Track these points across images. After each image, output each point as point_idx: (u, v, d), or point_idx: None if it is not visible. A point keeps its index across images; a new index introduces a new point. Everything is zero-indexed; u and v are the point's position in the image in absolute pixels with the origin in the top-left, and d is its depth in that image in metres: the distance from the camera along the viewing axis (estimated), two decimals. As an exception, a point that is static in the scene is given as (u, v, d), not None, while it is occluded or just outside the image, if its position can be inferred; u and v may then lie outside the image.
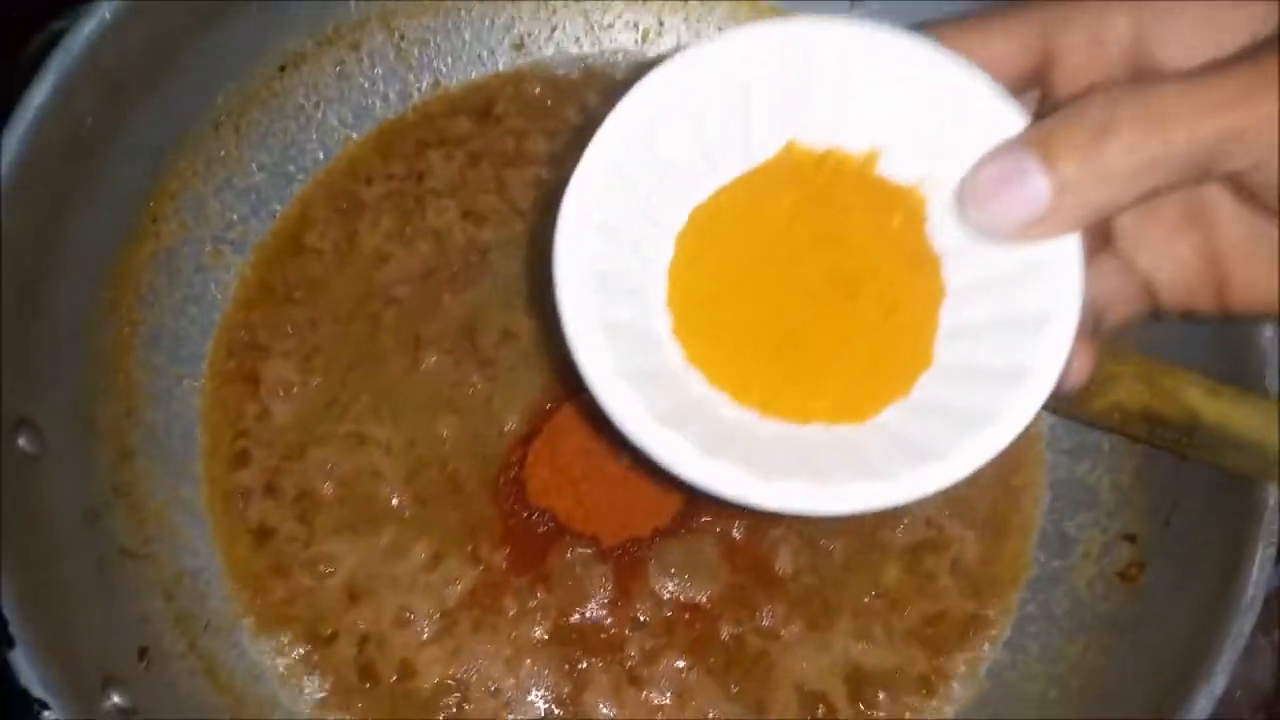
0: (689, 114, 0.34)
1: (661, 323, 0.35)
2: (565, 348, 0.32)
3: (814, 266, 0.34)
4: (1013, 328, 0.33)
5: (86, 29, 0.48)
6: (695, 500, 0.54)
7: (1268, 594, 0.60)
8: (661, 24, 0.64)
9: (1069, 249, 0.32)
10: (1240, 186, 0.33)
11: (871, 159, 0.35)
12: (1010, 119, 0.32)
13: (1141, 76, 0.33)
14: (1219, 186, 0.35)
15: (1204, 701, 0.43)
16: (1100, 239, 0.37)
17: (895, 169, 0.34)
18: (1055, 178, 0.30)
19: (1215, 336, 0.49)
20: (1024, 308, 0.32)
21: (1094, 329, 0.36)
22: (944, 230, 0.34)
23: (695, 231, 0.35)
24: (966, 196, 0.32)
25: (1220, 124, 0.29)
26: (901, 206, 0.34)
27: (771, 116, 0.34)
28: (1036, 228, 0.31)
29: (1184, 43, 0.33)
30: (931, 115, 0.33)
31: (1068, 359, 0.32)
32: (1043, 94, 0.36)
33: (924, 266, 0.34)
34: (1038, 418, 0.56)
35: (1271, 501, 0.46)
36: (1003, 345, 0.33)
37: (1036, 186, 0.30)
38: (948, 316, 0.34)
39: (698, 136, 0.34)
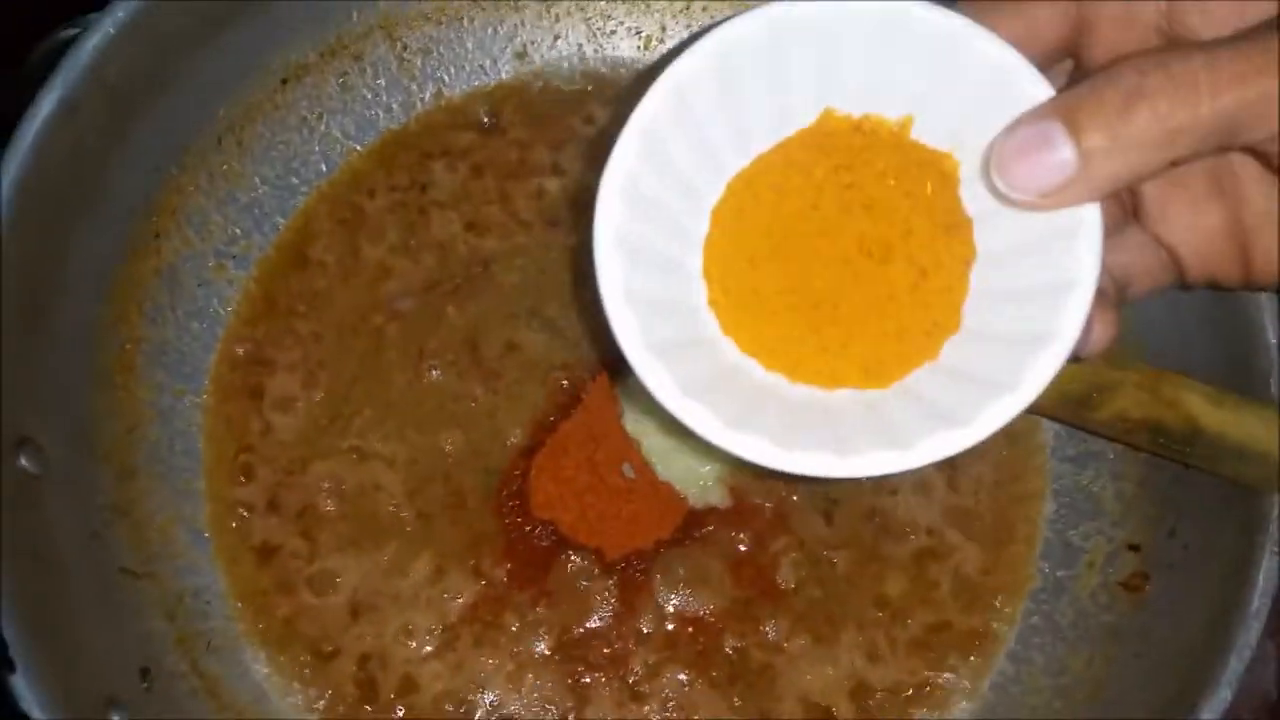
0: (724, 88, 0.34)
1: (699, 294, 0.36)
2: (603, 321, 0.34)
3: (846, 234, 0.35)
4: (1036, 294, 0.33)
5: (90, 42, 0.48)
6: (698, 513, 0.54)
7: (1274, 599, 0.61)
8: (664, 30, 0.64)
9: (1090, 217, 0.32)
10: (1264, 157, 0.33)
11: (906, 125, 0.35)
12: (1037, 88, 0.33)
13: (1171, 47, 0.33)
14: (1245, 157, 0.35)
15: (1209, 715, 0.43)
16: (1127, 211, 0.38)
17: (930, 136, 0.35)
18: (1080, 146, 0.30)
19: (1219, 344, 0.49)
20: (1047, 275, 0.33)
21: (1118, 299, 0.37)
22: (974, 196, 0.34)
23: (730, 203, 0.36)
24: (993, 163, 0.32)
25: (1243, 94, 0.29)
26: (935, 171, 0.35)
27: (807, 87, 0.35)
28: (1060, 195, 0.31)
29: (1213, 15, 0.33)
30: (963, 85, 0.33)
31: (1088, 325, 0.33)
32: (1075, 64, 0.37)
33: (956, 231, 0.35)
34: (1042, 426, 0.57)
35: (1276, 510, 0.46)
36: (1026, 311, 0.33)
37: (1062, 154, 0.31)
38: (976, 281, 0.35)
39: (733, 109, 0.35)
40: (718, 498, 0.54)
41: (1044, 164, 0.31)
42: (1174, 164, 0.31)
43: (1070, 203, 0.32)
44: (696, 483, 0.54)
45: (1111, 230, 0.33)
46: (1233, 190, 0.36)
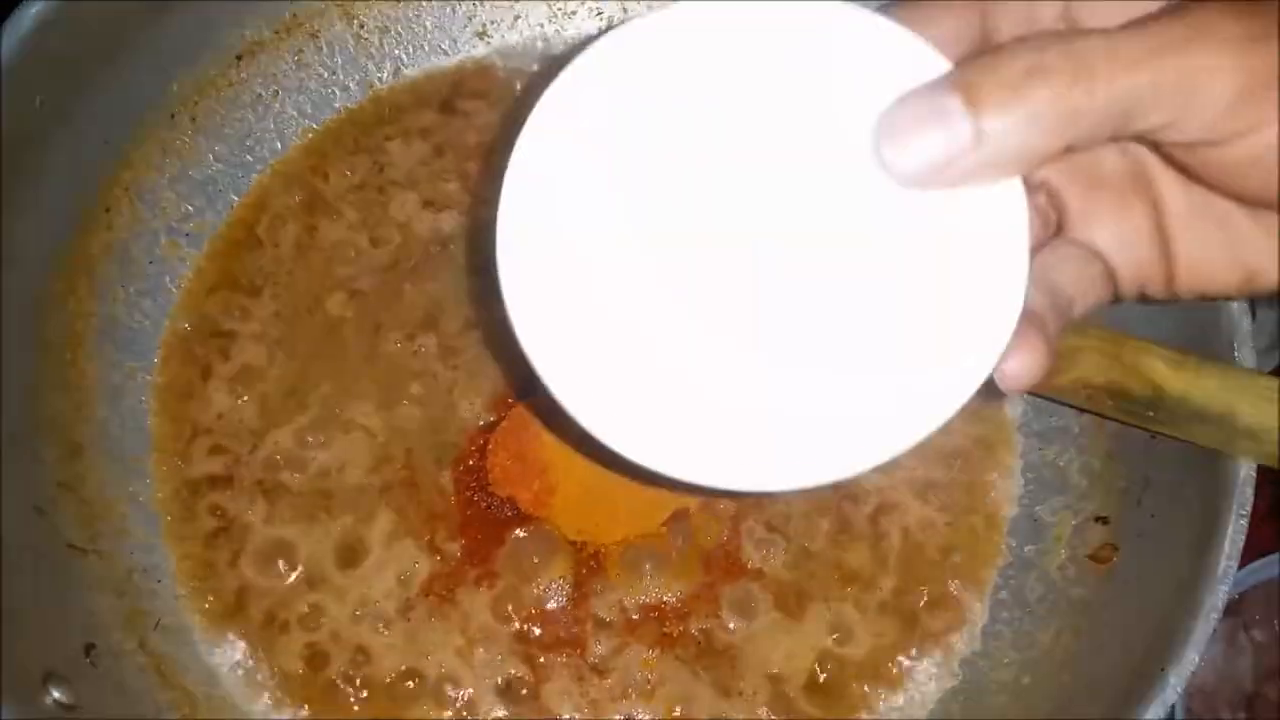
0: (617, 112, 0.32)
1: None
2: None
3: None
4: (952, 311, 0.31)
5: (34, 9, 0.47)
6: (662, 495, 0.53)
7: (1247, 590, 0.60)
8: (625, 10, 0.64)
9: (1016, 221, 0.31)
10: (1164, 152, 0.33)
11: None
12: (936, 64, 0.31)
13: (1072, 30, 0.33)
14: (1159, 158, 0.35)
15: (1177, 678, 0.42)
16: (1050, 225, 0.37)
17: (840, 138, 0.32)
18: (977, 120, 0.29)
19: (1181, 307, 0.49)
20: (967, 290, 0.31)
21: (1056, 322, 0.35)
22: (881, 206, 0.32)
23: None
24: (883, 134, 0.30)
25: (1137, 78, 0.29)
26: None
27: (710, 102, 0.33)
28: (955, 171, 0.30)
29: (1109, 15, 0.32)
30: (868, 77, 0.32)
31: (1013, 353, 0.32)
32: None
33: None
34: (1007, 403, 0.56)
35: (1243, 473, 0.45)
36: (940, 330, 0.32)
37: (958, 127, 0.29)
38: (885, 298, 0.32)
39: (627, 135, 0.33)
40: None
41: (938, 137, 0.29)
42: (1070, 146, 0.30)
43: (963, 181, 0.30)
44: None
45: (1036, 246, 0.33)
46: (1150, 192, 0.36)
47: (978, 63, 0.30)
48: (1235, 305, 0.47)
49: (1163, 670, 0.43)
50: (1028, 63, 0.29)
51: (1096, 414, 0.50)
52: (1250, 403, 0.45)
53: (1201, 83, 0.29)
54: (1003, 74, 0.29)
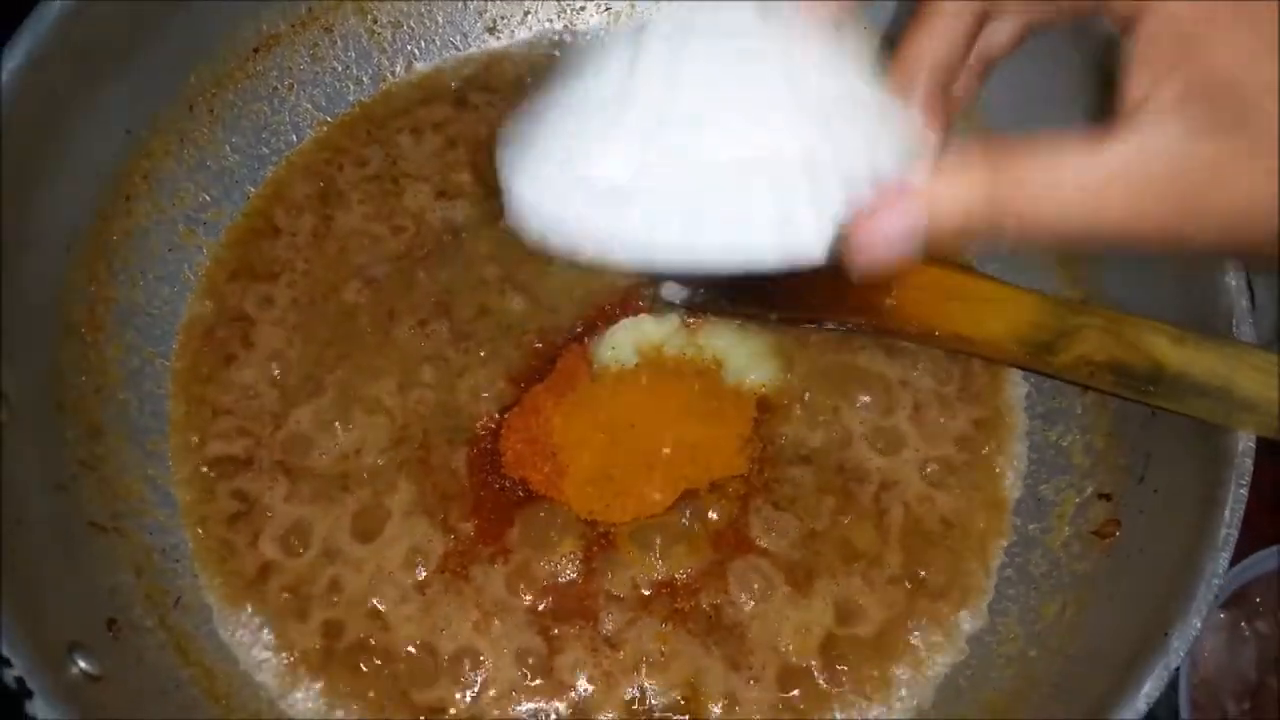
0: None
1: None
2: None
3: None
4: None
5: (56, 3, 0.48)
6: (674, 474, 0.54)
7: (1251, 582, 0.61)
8: (633, 5, 0.65)
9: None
10: None
11: None
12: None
13: None
14: None
15: (1179, 643, 0.43)
16: None
17: None
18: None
19: (1181, 284, 0.50)
20: None
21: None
22: None
23: None
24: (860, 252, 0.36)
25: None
26: None
27: None
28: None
29: None
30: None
31: None
32: None
33: None
34: (1011, 385, 0.57)
35: (1242, 444, 0.46)
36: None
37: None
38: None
39: None
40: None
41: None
42: None
43: None
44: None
45: None
46: None
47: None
48: (1234, 283, 0.48)
49: (1166, 635, 0.44)
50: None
51: (1099, 391, 0.51)
52: (1248, 375, 0.46)
53: None
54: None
